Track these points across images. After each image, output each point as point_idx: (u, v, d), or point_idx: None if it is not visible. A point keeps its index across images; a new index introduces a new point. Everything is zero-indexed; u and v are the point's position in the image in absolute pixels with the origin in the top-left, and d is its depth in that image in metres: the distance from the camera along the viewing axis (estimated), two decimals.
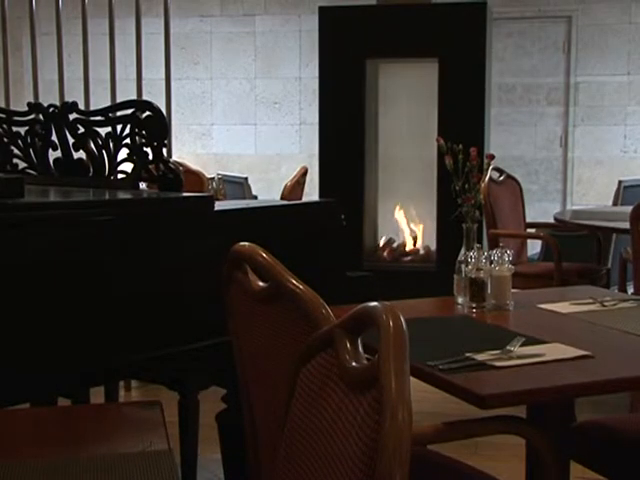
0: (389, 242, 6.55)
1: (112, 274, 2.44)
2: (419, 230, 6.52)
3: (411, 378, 1.69)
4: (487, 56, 6.12)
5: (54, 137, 3.22)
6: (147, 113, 2.93)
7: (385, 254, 6.48)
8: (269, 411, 1.69)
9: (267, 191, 7.87)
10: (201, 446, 2.76)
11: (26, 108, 3.30)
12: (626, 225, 4.08)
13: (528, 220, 5.54)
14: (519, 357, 1.94)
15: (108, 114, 3.06)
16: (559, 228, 5.51)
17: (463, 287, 2.52)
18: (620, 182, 6.60)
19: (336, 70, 6.24)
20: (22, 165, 3.34)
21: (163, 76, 4.62)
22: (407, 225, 6.54)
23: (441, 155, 2.82)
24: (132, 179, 3.00)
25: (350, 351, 1.14)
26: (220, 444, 2.86)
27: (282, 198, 6.16)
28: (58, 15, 4.76)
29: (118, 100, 4.26)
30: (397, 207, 6.54)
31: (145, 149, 2.95)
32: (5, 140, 3.35)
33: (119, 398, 3.76)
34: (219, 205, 2.93)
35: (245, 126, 8.29)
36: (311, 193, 7.15)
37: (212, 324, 2.46)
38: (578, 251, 5.38)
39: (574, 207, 7.22)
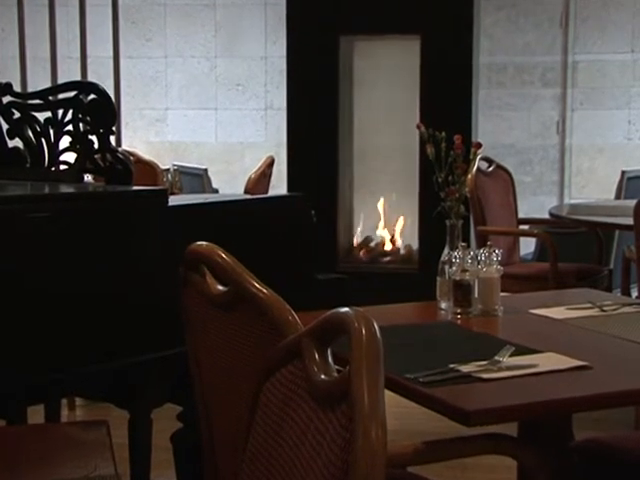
0: (366, 241, 6.56)
1: (52, 277, 2.43)
2: (399, 227, 6.54)
3: (390, 393, 1.71)
4: (475, 32, 6.14)
5: None
6: (92, 96, 2.93)
7: (361, 254, 6.50)
8: (229, 430, 1.70)
9: (229, 184, 7.86)
10: (154, 470, 2.75)
11: None
12: (630, 221, 4.12)
13: (521, 216, 5.58)
14: (509, 368, 1.95)
15: (48, 97, 3.05)
16: (555, 224, 5.54)
17: (447, 291, 2.54)
18: (623, 172, 6.65)
19: (306, 48, 6.24)
20: None
21: (111, 54, 4.61)
22: (386, 222, 6.55)
23: (423, 143, 2.83)
24: (75, 171, 2.99)
25: (319, 362, 1.15)
26: (175, 468, 2.86)
27: (246, 192, 6.15)
28: None
29: (59, 81, 4.24)
30: (375, 202, 6.55)
31: (90, 137, 2.94)
32: None
33: (61, 418, 3.74)
34: (174, 200, 2.94)
35: (204, 111, 8.27)
36: (278, 186, 7.15)
37: (166, 333, 2.45)
38: (576, 250, 5.42)
39: (572, 201, 7.26)
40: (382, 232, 6.57)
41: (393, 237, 6.54)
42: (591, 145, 7.73)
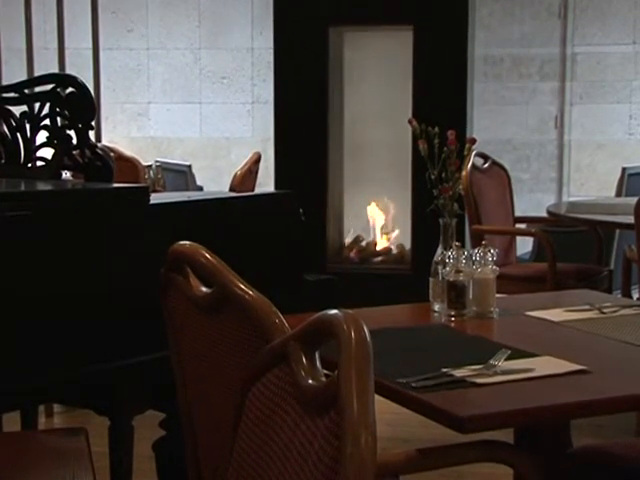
0: (357, 240, 6.57)
1: (29, 277, 2.43)
2: (391, 226, 6.54)
3: (382, 398, 1.71)
4: (470, 23, 6.15)
5: None
6: (71, 89, 2.92)
7: (352, 254, 6.50)
8: (214, 438, 1.70)
9: (214, 181, 7.85)
10: None
11: None
12: (630, 219, 4.13)
13: (517, 214, 5.58)
14: (504, 373, 1.96)
15: (24, 90, 3.04)
16: (553, 223, 5.55)
17: (440, 292, 2.54)
18: (624, 169, 6.66)
19: (294, 39, 6.24)
20: None
21: (90, 45, 4.60)
22: (377, 220, 6.56)
23: (415, 139, 2.84)
24: (53, 167, 2.99)
25: (306, 367, 1.15)
26: (157, 477, 2.85)
27: (231, 189, 6.15)
28: None
29: (36, 73, 4.23)
30: (366, 199, 6.56)
31: (68, 132, 2.94)
32: None
33: (39, 425, 3.74)
34: (156, 197, 2.93)
35: (188, 105, 8.27)
36: (265, 183, 7.15)
37: (148, 336, 2.45)
38: (575, 250, 5.43)
39: (571, 199, 7.28)
40: (374, 231, 6.57)
41: (385, 236, 6.54)
42: (591, 141, 7.74)
